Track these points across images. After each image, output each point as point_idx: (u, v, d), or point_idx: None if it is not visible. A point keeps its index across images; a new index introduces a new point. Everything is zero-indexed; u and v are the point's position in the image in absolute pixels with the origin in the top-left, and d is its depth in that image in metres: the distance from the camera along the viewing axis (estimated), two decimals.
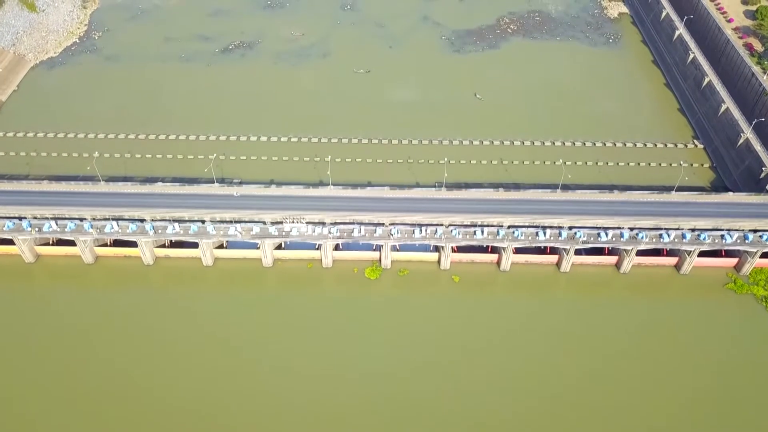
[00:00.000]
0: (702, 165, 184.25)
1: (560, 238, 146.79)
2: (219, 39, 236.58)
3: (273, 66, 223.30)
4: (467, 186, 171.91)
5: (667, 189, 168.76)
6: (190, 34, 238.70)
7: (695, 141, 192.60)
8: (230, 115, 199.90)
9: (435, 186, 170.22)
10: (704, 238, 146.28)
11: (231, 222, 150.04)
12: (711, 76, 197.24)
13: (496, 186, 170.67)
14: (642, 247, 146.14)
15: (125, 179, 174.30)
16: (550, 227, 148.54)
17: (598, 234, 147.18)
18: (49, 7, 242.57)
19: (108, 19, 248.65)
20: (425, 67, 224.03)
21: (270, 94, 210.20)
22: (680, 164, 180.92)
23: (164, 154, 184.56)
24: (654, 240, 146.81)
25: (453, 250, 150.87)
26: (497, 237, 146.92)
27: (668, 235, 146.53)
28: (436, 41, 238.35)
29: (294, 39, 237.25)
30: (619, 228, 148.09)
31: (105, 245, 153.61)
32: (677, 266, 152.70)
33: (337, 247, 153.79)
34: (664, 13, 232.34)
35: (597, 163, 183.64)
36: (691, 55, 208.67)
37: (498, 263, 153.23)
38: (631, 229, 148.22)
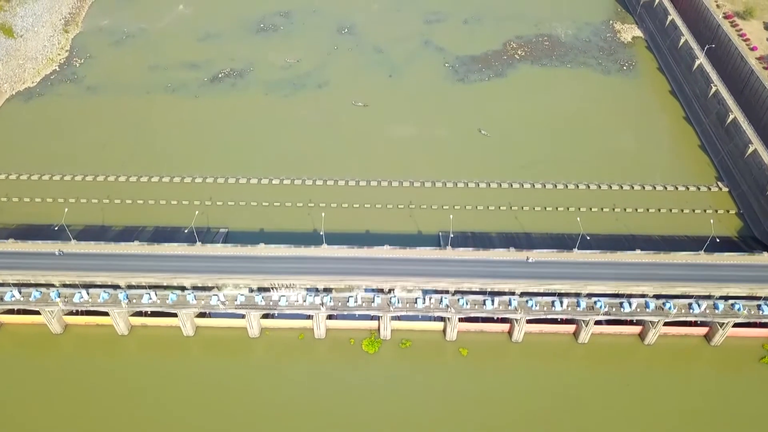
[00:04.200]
0: (728, 211, 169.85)
1: (579, 309, 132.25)
2: (208, 66, 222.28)
3: (265, 97, 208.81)
4: (473, 236, 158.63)
5: (692, 240, 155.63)
6: (178, 62, 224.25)
7: (719, 183, 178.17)
8: (218, 154, 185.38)
9: (439, 234, 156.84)
10: (739, 309, 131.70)
11: (213, 289, 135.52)
12: (736, 113, 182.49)
13: (504, 237, 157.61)
14: (669, 319, 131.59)
15: (102, 228, 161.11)
16: (567, 295, 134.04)
17: (621, 304, 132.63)
18: (28, 32, 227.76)
19: (91, 44, 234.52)
20: (427, 98, 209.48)
21: (261, 130, 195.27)
22: (704, 211, 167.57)
23: (145, 200, 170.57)
24: (683, 311, 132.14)
25: (460, 320, 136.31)
26: (509, 308, 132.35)
27: (699, 306, 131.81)
28: (438, 69, 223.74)
29: (288, 66, 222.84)
30: (643, 296, 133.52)
31: (75, 313, 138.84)
32: (707, 336, 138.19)
33: (331, 316, 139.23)
34: (682, 40, 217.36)
35: (614, 209, 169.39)
36: (713, 88, 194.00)
37: (510, 333, 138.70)
38: (657, 297, 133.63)
